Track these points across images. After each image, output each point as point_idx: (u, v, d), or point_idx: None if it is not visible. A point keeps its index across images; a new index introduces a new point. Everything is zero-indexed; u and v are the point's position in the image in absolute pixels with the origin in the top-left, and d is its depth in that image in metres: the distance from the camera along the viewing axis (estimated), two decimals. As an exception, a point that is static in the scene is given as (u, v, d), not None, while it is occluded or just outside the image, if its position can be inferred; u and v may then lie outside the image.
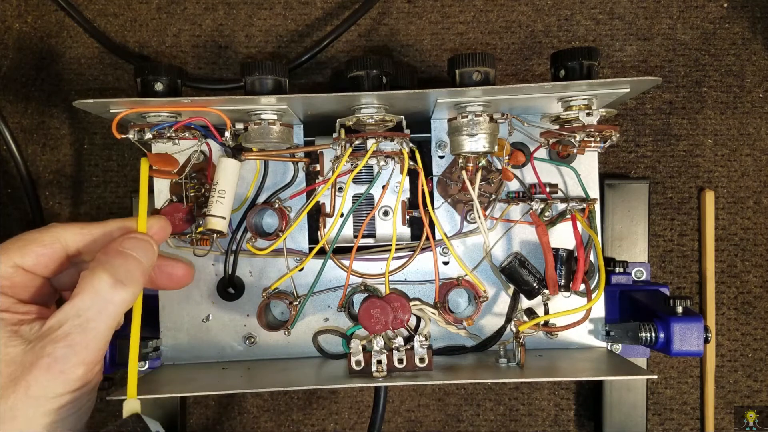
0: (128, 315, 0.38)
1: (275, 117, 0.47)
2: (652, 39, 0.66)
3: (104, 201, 0.67)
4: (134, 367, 0.36)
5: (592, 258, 0.51)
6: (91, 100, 0.43)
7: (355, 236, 0.52)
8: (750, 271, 0.66)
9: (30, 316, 0.35)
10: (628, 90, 0.45)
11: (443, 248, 0.52)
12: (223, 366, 0.52)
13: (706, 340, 0.46)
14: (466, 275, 0.51)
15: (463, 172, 0.49)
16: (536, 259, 0.52)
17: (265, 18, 0.67)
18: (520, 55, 0.67)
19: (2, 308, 0.34)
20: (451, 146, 0.48)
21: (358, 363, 0.48)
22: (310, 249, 0.52)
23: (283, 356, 0.53)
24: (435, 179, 0.53)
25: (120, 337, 0.47)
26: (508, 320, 0.51)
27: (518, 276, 0.50)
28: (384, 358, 0.47)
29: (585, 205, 0.51)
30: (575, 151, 0.48)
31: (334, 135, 0.49)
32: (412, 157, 0.49)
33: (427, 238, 0.51)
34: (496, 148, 0.47)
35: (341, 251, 0.52)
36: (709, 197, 0.65)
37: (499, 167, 0.52)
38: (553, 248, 0.50)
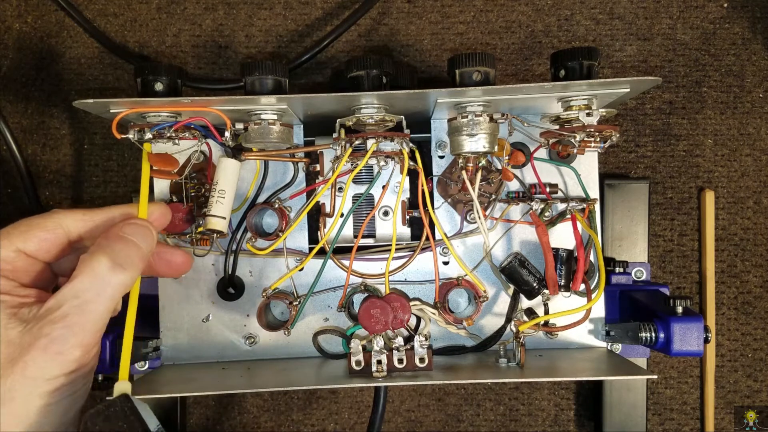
0: (124, 315, 0.38)
1: (275, 117, 0.47)
2: (652, 39, 0.66)
3: (104, 201, 0.67)
4: (128, 349, 0.37)
5: (592, 258, 0.51)
6: (91, 100, 0.43)
7: (355, 236, 0.52)
8: (750, 271, 0.66)
9: (30, 299, 0.35)
10: (628, 90, 0.45)
11: (443, 248, 0.52)
12: (223, 366, 0.52)
13: (706, 340, 0.46)
14: (466, 275, 0.51)
15: (463, 172, 0.49)
16: (536, 259, 0.52)
17: (265, 18, 0.67)
18: (520, 55, 0.67)
19: (3, 291, 0.35)
20: (451, 146, 0.48)
21: (358, 363, 0.48)
22: (310, 249, 0.52)
23: (283, 356, 0.53)
24: (435, 179, 0.53)
25: (120, 337, 0.47)
26: (508, 320, 0.51)
27: (518, 276, 0.50)
28: (384, 358, 0.47)
29: (585, 205, 0.51)
30: (575, 151, 0.48)
31: (334, 135, 0.49)
32: (412, 157, 0.49)
33: (427, 238, 0.51)
34: (496, 148, 0.47)
35: (341, 251, 0.52)
36: (709, 197, 0.65)
37: (499, 167, 0.52)
38: (553, 248, 0.50)
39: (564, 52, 0.46)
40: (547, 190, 0.52)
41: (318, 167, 0.52)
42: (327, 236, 0.51)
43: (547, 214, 0.52)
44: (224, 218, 0.47)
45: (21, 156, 0.64)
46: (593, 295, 0.49)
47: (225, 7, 0.67)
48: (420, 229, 0.52)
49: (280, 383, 0.50)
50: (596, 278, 0.50)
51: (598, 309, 0.53)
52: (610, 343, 0.54)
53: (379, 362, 0.47)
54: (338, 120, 0.48)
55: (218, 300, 0.53)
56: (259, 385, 0.49)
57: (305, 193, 0.52)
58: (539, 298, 0.51)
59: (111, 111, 0.45)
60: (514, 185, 0.53)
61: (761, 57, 0.66)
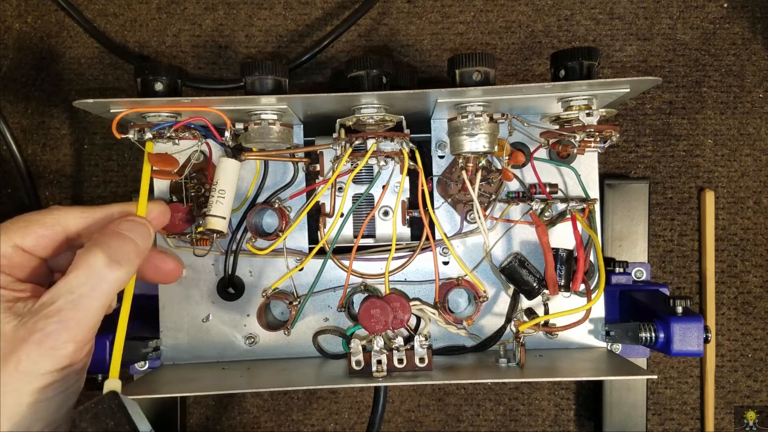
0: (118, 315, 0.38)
1: (275, 117, 0.47)
2: (652, 39, 0.66)
3: (104, 201, 0.67)
4: (119, 347, 0.36)
5: (592, 258, 0.51)
6: (91, 100, 0.43)
7: (355, 236, 0.52)
8: (750, 271, 0.66)
9: (25, 294, 0.35)
10: (628, 90, 0.45)
11: (443, 248, 0.52)
12: (223, 366, 0.52)
13: (706, 340, 0.46)
14: (466, 275, 0.51)
15: (463, 172, 0.49)
16: (536, 259, 0.52)
17: (265, 18, 0.67)
18: (520, 55, 0.67)
19: (0, 285, 0.35)
20: (451, 146, 0.48)
21: (358, 363, 0.48)
22: (310, 249, 0.52)
23: (283, 356, 0.53)
24: (435, 179, 0.53)
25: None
26: (508, 320, 0.51)
27: (518, 276, 0.50)
28: (384, 358, 0.47)
29: (585, 205, 0.51)
30: (575, 151, 0.48)
31: (334, 135, 0.49)
32: (412, 157, 0.49)
33: (427, 238, 0.51)
34: (496, 148, 0.47)
35: (341, 251, 0.52)
36: (709, 197, 0.65)
37: (499, 167, 0.52)
38: (553, 248, 0.50)
39: (564, 52, 0.46)
40: (547, 190, 0.52)
41: (318, 167, 0.52)
42: (327, 236, 0.51)
43: (547, 214, 0.52)
44: (224, 218, 0.47)
45: (21, 156, 0.64)
46: (593, 295, 0.49)
47: (225, 7, 0.67)
48: (420, 229, 0.52)
49: (280, 383, 0.50)
50: (596, 278, 0.50)
51: (598, 309, 0.53)
52: (610, 343, 0.54)
53: (379, 362, 0.47)
54: (338, 120, 0.48)
55: (218, 300, 0.53)
56: (259, 385, 0.49)
57: (305, 193, 0.52)
58: (539, 298, 0.51)
59: (111, 111, 0.45)
60: (514, 185, 0.53)
61: (761, 57, 0.66)
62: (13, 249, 0.36)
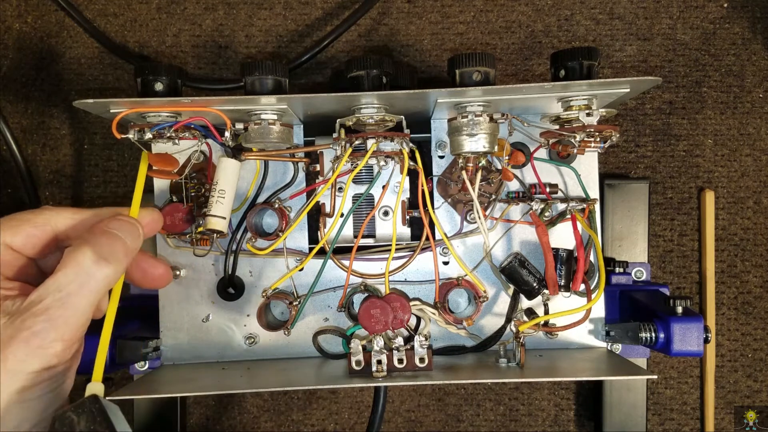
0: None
1: (275, 117, 0.47)
2: (652, 39, 0.66)
3: (104, 201, 0.67)
4: (104, 350, 0.36)
5: (592, 258, 0.51)
6: (91, 100, 0.43)
7: (355, 236, 0.52)
8: (750, 271, 0.66)
9: (13, 292, 0.35)
10: (628, 90, 0.45)
11: (443, 248, 0.52)
12: (223, 366, 0.52)
13: (706, 340, 0.46)
14: (466, 275, 0.51)
15: (463, 172, 0.49)
16: (536, 259, 0.52)
17: (265, 18, 0.67)
18: (520, 55, 0.67)
19: None
20: (451, 146, 0.48)
21: (358, 363, 0.48)
22: (310, 249, 0.52)
23: (283, 356, 0.53)
24: (435, 179, 0.53)
25: (119, 337, 0.47)
26: (508, 320, 0.51)
27: (518, 276, 0.50)
28: (384, 358, 0.47)
29: (585, 205, 0.51)
30: (575, 151, 0.48)
31: (334, 135, 0.49)
32: (412, 157, 0.49)
33: (427, 238, 0.51)
34: (496, 148, 0.47)
35: (341, 251, 0.52)
36: (709, 197, 0.65)
37: (499, 167, 0.52)
38: (553, 248, 0.50)
39: (564, 52, 0.46)
40: (547, 190, 0.52)
41: (318, 167, 0.52)
42: (327, 236, 0.51)
43: (547, 214, 0.52)
44: (224, 218, 0.47)
45: (21, 156, 0.64)
46: (593, 295, 0.49)
47: (225, 7, 0.67)
48: (420, 229, 0.52)
49: (280, 383, 0.50)
50: (596, 278, 0.50)
51: (598, 309, 0.53)
52: (610, 343, 0.54)
53: (379, 362, 0.47)
54: (338, 120, 0.48)
55: (218, 300, 0.53)
56: (259, 385, 0.49)
57: (305, 193, 0.52)
58: (539, 298, 0.51)
59: (111, 111, 0.45)
60: (514, 185, 0.53)
61: (761, 57, 0.66)
62: (2, 247, 0.36)
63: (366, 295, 0.51)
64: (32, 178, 0.65)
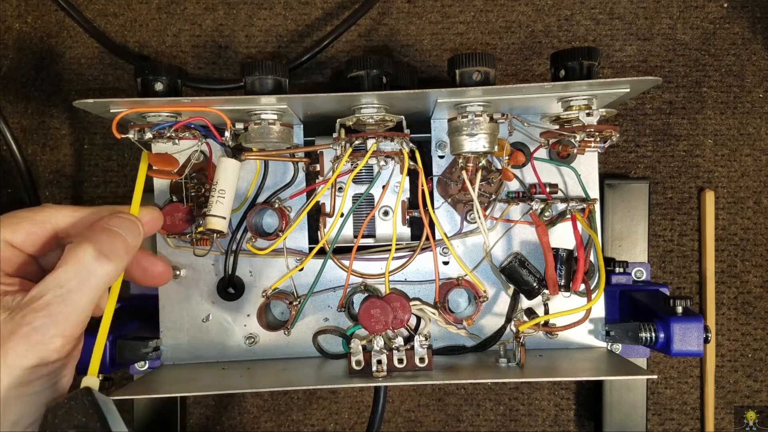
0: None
1: (275, 117, 0.47)
2: (652, 39, 0.66)
3: (104, 201, 0.67)
4: (101, 346, 0.36)
5: (592, 258, 0.51)
6: (91, 100, 0.43)
7: (355, 236, 0.52)
8: (750, 271, 0.66)
9: (13, 288, 0.35)
10: (628, 90, 0.45)
11: (443, 248, 0.52)
12: (223, 366, 0.52)
13: (706, 340, 0.46)
14: (466, 275, 0.51)
15: (463, 172, 0.49)
16: (536, 259, 0.52)
17: (265, 18, 0.67)
18: (520, 55, 0.67)
19: None
20: (451, 146, 0.48)
21: (358, 363, 0.48)
22: (310, 249, 0.52)
23: (283, 356, 0.53)
24: (435, 179, 0.53)
25: (119, 337, 0.47)
26: (508, 320, 0.51)
27: (518, 276, 0.50)
28: (384, 358, 0.47)
29: (585, 205, 0.51)
30: (575, 151, 0.48)
31: (334, 135, 0.49)
32: (412, 157, 0.49)
33: (427, 238, 0.51)
34: (496, 148, 0.47)
35: (341, 251, 0.52)
36: (709, 197, 0.65)
37: (499, 167, 0.52)
38: (553, 248, 0.50)
39: (564, 52, 0.46)
40: (547, 190, 0.52)
41: (318, 167, 0.52)
42: (327, 236, 0.51)
43: (547, 214, 0.52)
44: (224, 218, 0.47)
45: (21, 156, 0.64)
46: (593, 295, 0.49)
47: (225, 7, 0.67)
48: (420, 229, 0.52)
49: (280, 383, 0.50)
50: (596, 278, 0.50)
51: (598, 309, 0.53)
52: (610, 343, 0.54)
53: (379, 362, 0.47)
54: (338, 120, 0.48)
55: (218, 300, 0.53)
56: (259, 385, 0.49)
57: (305, 193, 0.52)
58: (539, 298, 0.51)
59: (111, 111, 0.45)
60: (514, 185, 0.53)
61: (761, 57, 0.66)
62: (2, 244, 0.36)
63: (366, 295, 0.51)
64: (32, 178, 0.65)
